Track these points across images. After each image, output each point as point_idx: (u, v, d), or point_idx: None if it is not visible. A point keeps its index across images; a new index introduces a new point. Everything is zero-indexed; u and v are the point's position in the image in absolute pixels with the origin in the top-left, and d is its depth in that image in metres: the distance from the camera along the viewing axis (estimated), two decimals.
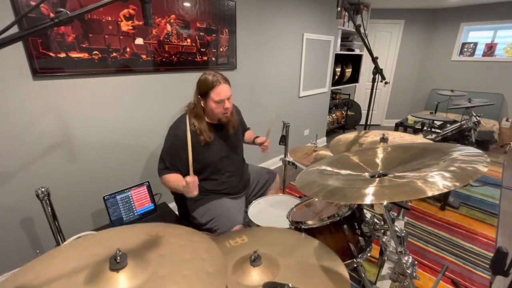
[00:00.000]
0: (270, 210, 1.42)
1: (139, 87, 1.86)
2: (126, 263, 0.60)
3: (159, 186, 1.66)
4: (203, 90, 1.32)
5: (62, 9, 0.56)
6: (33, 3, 1.33)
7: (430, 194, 0.64)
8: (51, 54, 1.45)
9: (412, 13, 4.58)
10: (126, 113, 1.83)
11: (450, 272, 1.71)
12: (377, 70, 1.65)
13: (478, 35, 4.42)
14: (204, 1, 2.01)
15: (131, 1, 1.65)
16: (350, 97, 4.83)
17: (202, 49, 2.11)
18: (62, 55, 1.48)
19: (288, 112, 3.28)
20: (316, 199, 1.36)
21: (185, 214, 1.52)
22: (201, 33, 2.06)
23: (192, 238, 0.75)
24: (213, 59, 2.21)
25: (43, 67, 1.43)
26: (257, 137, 1.67)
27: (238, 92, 2.52)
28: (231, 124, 1.45)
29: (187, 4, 1.93)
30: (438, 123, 2.75)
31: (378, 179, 0.86)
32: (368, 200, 0.70)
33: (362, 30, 1.52)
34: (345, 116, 4.80)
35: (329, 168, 1.04)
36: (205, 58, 2.15)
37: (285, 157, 1.96)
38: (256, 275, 0.78)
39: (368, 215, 1.21)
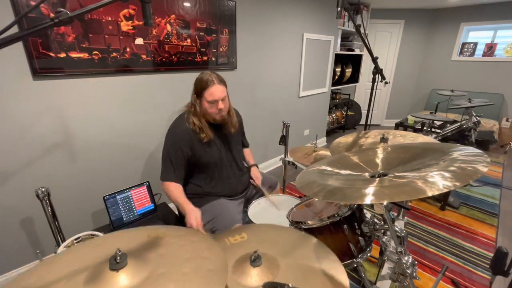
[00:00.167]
0: (270, 210, 1.42)
1: (139, 87, 1.86)
2: (126, 263, 0.61)
3: (159, 186, 1.66)
4: (198, 89, 1.33)
5: (62, 9, 0.56)
6: (33, 3, 1.33)
7: (430, 194, 0.64)
8: (51, 54, 1.45)
9: (412, 13, 4.58)
10: (126, 113, 1.83)
11: (450, 272, 1.71)
12: (377, 70, 1.65)
13: (478, 35, 4.42)
14: (204, 1, 2.01)
15: (131, 1, 1.65)
16: (350, 97, 4.83)
17: (202, 49, 2.11)
18: (62, 55, 1.48)
19: (288, 112, 3.28)
20: (316, 199, 1.36)
21: (184, 218, 1.52)
22: (201, 33, 2.06)
23: (192, 238, 0.75)
24: (213, 59, 2.21)
25: (43, 67, 1.44)
26: (255, 165, 1.66)
27: (238, 92, 2.52)
28: (231, 123, 1.45)
29: (187, 4, 1.93)
30: (438, 123, 2.75)
31: (378, 179, 0.86)
32: (368, 200, 0.70)
33: (362, 30, 1.52)
34: (345, 116, 4.80)
35: (329, 168, 1.04)
36: (205, 58, 2.15)
37: (285, 157, 1.96)
38: (256, 275, 0.78)
39: (368, 215, 1.21)
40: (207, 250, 0.69)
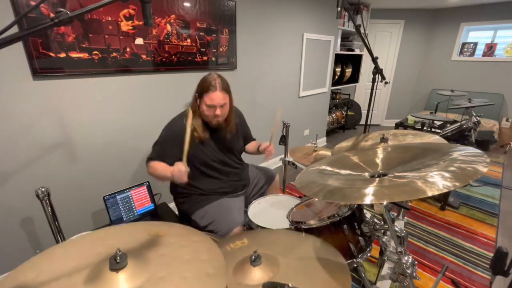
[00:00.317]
0: (270, 210, 1.42)
1: (139, 87, 1.86)
2: (126, 263, 0.60)
3: (159, 186, 1.66)
4: (199, 90, 1.33)
5: (62, 9, 0.56)
6: (33, 3, 1.33)
7: (430, 194, 0.64)
8: (51, 54, 1.45)
9: (412, 13, 4.58)
10: (126, 113, 1.83)
11: (450, 272, 1.71)
12: (377, 70, 1.65)
13: (478, 35, 4.42)
14: (204, 1, 2.01)
15: (131, 1, 1.65)
16: (350, 97, 4.83)
17: (202, 49, 2.11)
18: (62, 55, 1.48)
19: (288, 112, 3.28)
20: (316, 199, 1.36)
21: (184, 216, 1.52)
22: (201, 33, 2.06)
23: (193, 238, 0.75)
24: (213, 59, 2.21)
25: (43, 67, 1.44)
26: (261, 144, 1.57)
27: (238, 92, 2.52)
28: (228, 129, 1.44)
29: (187, 4, 1.93)
30: (438, 123, 2.75)
31: (378, 179, 0.86)
32: (368, 200, 0.70)
33: (362, 30, 1.52)
34: (345, 116, 4.80)
35: (329, 168, 1.04)
36: (205, 58, 2.15)
37: (285, 157, 1.96)
38: (256, 275, 0.78)
39: (368, 215, 1.21)
40: (207, 252, 0.69)
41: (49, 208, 1.19)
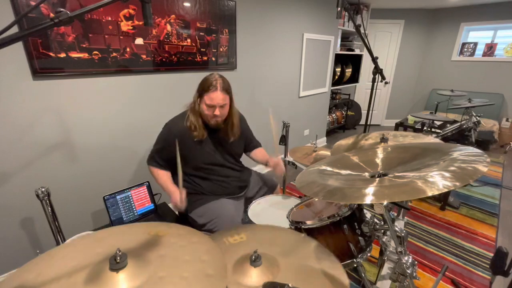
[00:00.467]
0: (270, 210, 1.42)
1: (139, 87, 1.86)
2: (126, 263, 0.60)
3: (159, 186, 1.65)
4: (200, 89, 1.33)
5: (62, 9, 0.56)
6: (33, 3, 1.33)
7: (430, 194, 0.64)
8: (51, 54, 1.45)
9: (412, 13, 4.58)
10: (126, 113, 1.83)
11: (450, 272, 1.71)
12: (377, 70, 1.65)
13: (478, 35, 4.42)
14: (204, 1, 2.01)
15: (131, 1, 1.65)
16: (350, 97, 4.83)
17: (202, 49, 2.11)
18: (62, 55, 1.48)
19: (288, 112, 3.28)
20: (316, 199, 1.36)
21: (182, 214, 1.52)
22: (201, 33, 2.06)
23: (193, 239, 0.75)
24: (213, 59, 2.21)
25: (43, 67, 1.44)
26: (269, 160, 1.58)
27: (238, 92, 2.52)
28: (231, 132, 1.44)
29: (187, 4, 1.93)
30: (438, 123, 2.75)
31: (378, 179, 0.86)
32: (368, 200, 0.70)
33: (362, 30, 1.52)
34: (345, 116, 4.80)
35: (329, 168, 1.04)
36: (205, 58, 2.15)
37: (285, 157, 1.96)
38: (256, 275, 0.78)
39: (368, 215, 1.21)
40: (207, 252, 0.69)
41: (49, 208, 1.19)
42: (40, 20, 1.38)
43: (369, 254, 1.11)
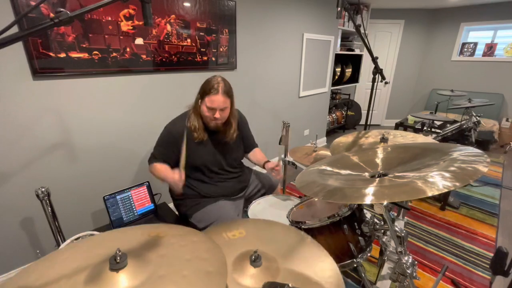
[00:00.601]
0: (270, 210, 1.42)
1: (139, 87, 1.86)
2: (126, 263, 0.60)
3: (159, 186, 1.66)
4: (202, 91, 1.34)
5: (62, 9, 0.56)
6: (33, 3, 1.33)
7: (430, 194, 0.64)
8: (51, 54, 1.45)
9: (412, 13, 4.58)
10: (126, 113, 1.83)
11: (450, 272, 1.71)
12: (377, 70, 1.65)
13: (478, 35, 4.42)
14: (204, 1, 2.01)
15: (131, 1, 1.65)
16: (350, 97, 4.83)
17: (202, 49, 2.11)
18: (62, 55, 1.48)
19: (288, 112, 3.28)
20: (316, 199, 1.36)
21: (183, 217, 1.52)
22: (201, 33, 2.06)
23: (193, 239, 0.75)
24: (213, 59, 2.21)
25: (43, 67, 1.43)
26: (268, 161, 1.56)
27: (238, 92, 2.49)
28: (228, 134, 1.44)
29: (187, 4, 1.93)
30: (438, 123, 2.75)
31: (378, 179, 0.86)
32: (368, 200, 0.70)
33: (362, 30, 1.52)
34: (345, 116, 4.80)
35: (329, 168, 1.04)
36: (205, 58, 2.15)
37: (285, 157, 1.96)
38: (256, 275, 0.78)
39: (368, 215, 1.21)
40: (207, 251, 0.69)
41: (49, 208, 1.19)
42: (40, 20, 1.38)
43: (369, 254, 1.11)
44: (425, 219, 2.26)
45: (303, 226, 1.10)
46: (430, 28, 4.70)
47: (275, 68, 2.88)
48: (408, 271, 0.82)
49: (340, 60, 4.30)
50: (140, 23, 1.73)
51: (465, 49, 4.49)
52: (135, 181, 1.96)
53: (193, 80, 2.10)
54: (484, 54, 4.34)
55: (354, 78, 4.61)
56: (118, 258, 0.59)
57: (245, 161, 1.66)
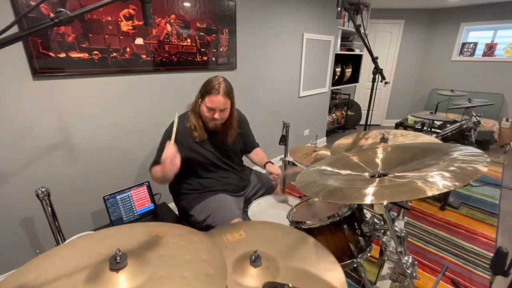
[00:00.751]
0: (270, 210, 1.42)
1: (139, 87, 1.86)
2: (126, 263, 0.60)
3: (159, 186, 1.66)
4: (203, 91, 1.33)
5: (62, 9, 0.56)
6: (33, 3, 1.33)
7: (430, 194, 0.64)
8: (51, 54, 1.45)
9: (412, 13, 4.58)
10: (126, 113, 1.83)
11: (450, 272, 1.71)
12: (377, 70, 1.65)
13: (478, 35, 4.42)
14: (204, 1, 2.01)
15: (131, 1, 1.65)
16: (350, 97, 4.83)
17: (202, 49, 2.11)
18: (62, 55, 1.48)
19: (288, 112, 3.28)
20: (316, 199, 1.36)
21: (183, 213, 1.52)
22: (201, 33, 2.06)
23: (193, 239, 0.75)
24: (213, 59, 2.21)
25: (43, 67, 1.44)
26: (269, 162, 1.58)
27: (238, 92, 2.50)
28: (229, 135, 1.44)
29: (187, 4, 1.93)
30: (438, 123, 2.75)
31: (378, 179, 0.86)
32: (368, 200, 0.70)
33: (362, 30, 1.52)
34: (345, 116, 4.80)
35: (329, 168, 1.04)
36: (205, 58, 2.15)
37: (285, 157, 1.96)
38: (256, 275, 0.78)
39: (368, 215, 1.21)
40: (207, 252, 0.69)
41: (49, 208, 1.19)
42: (40, 20, 1.38)
43: (369, 254, 1.11)
44: (425, 219, 2.26)
45: (303, 226, 1.10)
46: (430, 28, 4.70)
47: (275, 68, 2.88)
48: (408, 271, 0.82)
49: (340, 60, 4.30)
50: (140, 23, 1.73)
51: (465, 49, 4.49)
52: (135, 181, 1.96)
53: (193, 80, 2.10)
54: (484, 54, 4.34)
55: (354, 78, 4.61)
56: (118, 258, 0.59)
57: (245, 161, 1.67)
